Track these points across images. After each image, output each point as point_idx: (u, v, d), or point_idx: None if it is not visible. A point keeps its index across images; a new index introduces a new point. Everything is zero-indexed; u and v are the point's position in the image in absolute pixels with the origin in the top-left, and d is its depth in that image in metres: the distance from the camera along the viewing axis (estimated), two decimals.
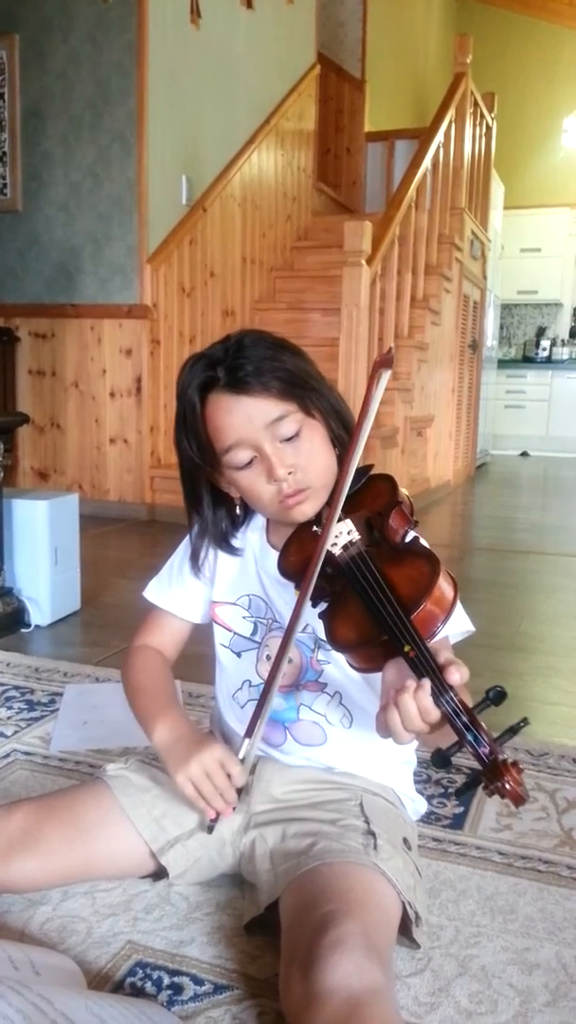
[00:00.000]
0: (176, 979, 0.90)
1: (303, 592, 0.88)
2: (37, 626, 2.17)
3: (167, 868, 0.99)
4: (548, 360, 7.82)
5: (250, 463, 0.93)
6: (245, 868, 1.00)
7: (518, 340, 8.20)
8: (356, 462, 0.89)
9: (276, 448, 0.92)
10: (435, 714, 0.76)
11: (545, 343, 7.90)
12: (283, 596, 1.00)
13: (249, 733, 0.94)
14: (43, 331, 3.91)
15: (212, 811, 0.94)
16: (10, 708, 1.63)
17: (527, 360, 7.92)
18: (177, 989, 0.88)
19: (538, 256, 7.72)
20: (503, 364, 7.45)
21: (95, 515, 3.66)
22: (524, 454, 7.57)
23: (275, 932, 0.89)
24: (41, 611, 2.18)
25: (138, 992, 0.88)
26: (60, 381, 3.93)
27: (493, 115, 5.42)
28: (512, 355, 8.07)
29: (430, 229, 4.39)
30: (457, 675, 0.77)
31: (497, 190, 6.02)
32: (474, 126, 4.98)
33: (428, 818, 1.23)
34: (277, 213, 4.88)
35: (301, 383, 0.93)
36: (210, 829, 0.96)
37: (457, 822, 1.24)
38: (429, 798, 1.29)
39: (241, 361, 0.91)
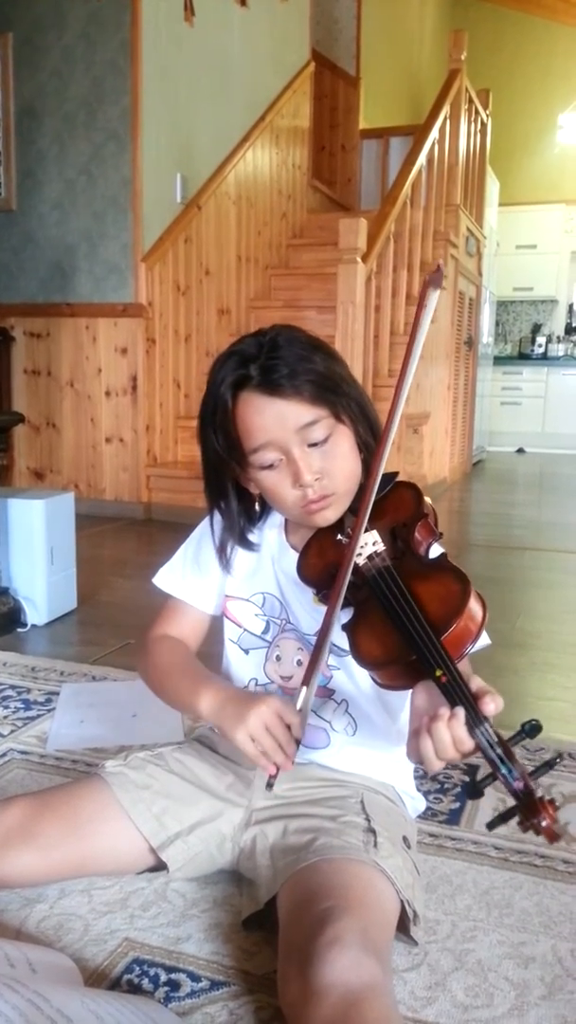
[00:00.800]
0: (173, 976, 0.90)
1: (332, 606, 0.86)
2: (33, 625, 2.17)
3: (168, 864, 0.99)
4: (544, 357, 7.83)
5: (276, 465, 0.92)
6: (244, 864, 1.00)
7: (514, 337, 8.21)
8: (400, 409, 0.86)
9: (304, 453, 0.91)
10: (469, 744, 0.75)
11: (541, 340, 7.91)
12: (299, 599, 1.00)
13: (306, 681, 0.89)
14: (38, 330, 3.90)
15: (273, 767, 0.90)
16: (7, 707, 1.63)
17: (523, 357, 7.93)
18: (174, 985, 0.89)
19: (533, 252, 7.73)
20: (499, 361, 7.46)
21: (91, 514, 3.66)
22: (520, 451, 7.58)
23: (273, 928, 0.89)
24: (37, 610, 2.18)
25: (135, 989, 0.88)
26: (55, 380, 3.92)
27: (488, 112, 5.41)
28: (508, 352, 8.07)
29: (425, 226, 4.39)
30: (492, 705, 0.76)
31: (492, 187, 6.02)
32: (469, 123, 4.97)
33: (425, 814, 1.24)
34: (272, 211, 4.88)
35: (333, 387, 0.92)
36: (270, 786, 0.90)
37: (453, 817, 1.24)
38: (425, 793, 1.29)
39: (275, 362, 0.90)
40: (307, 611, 0.99)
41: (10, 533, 2.17)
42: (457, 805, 1.28)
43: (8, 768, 1.38)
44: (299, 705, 0.90)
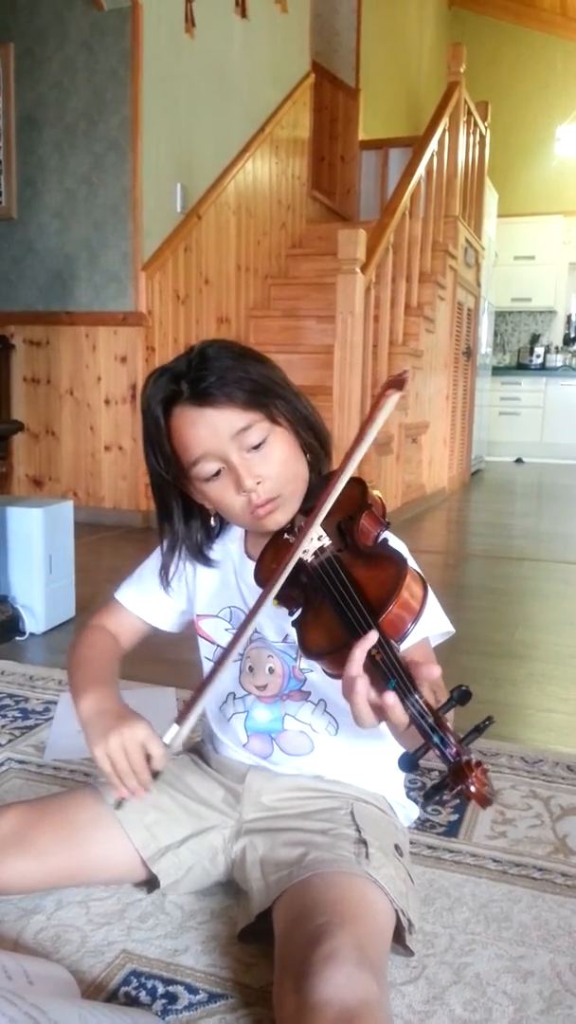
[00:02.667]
0: (171, 988, 0.90)
1: (265, 592, 0.86)
2: (32, 634, 2.17)
3: (158, 877, 0.99)
4: (542, 367, 7.85)
5: (218, 474, 0.92)
6: (237, 875, 1.00)
7: (512, 347, 8.23)
8: (347, 477, 0.87)
9: (243, 458, 0.91)
10: (403, 717, 0.74)
11: (539, 350, 7.93)
12: (264, 607, 1.00)
13: (180, 720, 0.89)
14: (38, 338, 3.91)
15: (124, 790, 0.91)
16: (5, 716, 1.63)
17: (521, 367, 7.95)
18: (171, 998, 0.88)
19: (532, 264, 7.76)
20: (497, 371, 7.48)
21: (90, 522, 3.66)
22: (519, 460, 7.60)
23: (270, 940, 0.89)
24: (36, 619, 2.18)
25: (132, 1001, 0.88)
26: (55, 388, 3.93)
27: (487, 124, 5.45)
28: (506, 362, 8.10)
29: (424, 237, 4.41)
30: (424, 670, 0.75)
31: (491, 198, 6.05)
32: (468, 134, 5.00)
33: (423, 826, 1.23)
34: (272, 221, 4.90)
35: (266, 391, 0.93)
36: (118, 805, 0.93)
37: (452, 829, 1.24)
38: (424, 806, 1.29)
39: (204, 372, 0.90)
40: (271, 618, 0.99)
41: (9, 541, 2.17)
42: (455, 817, 1.28)
43: (6, 777, 1.37)
44: (167, 740, 0.90)
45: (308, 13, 5.14)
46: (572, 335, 8.05)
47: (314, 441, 0.98)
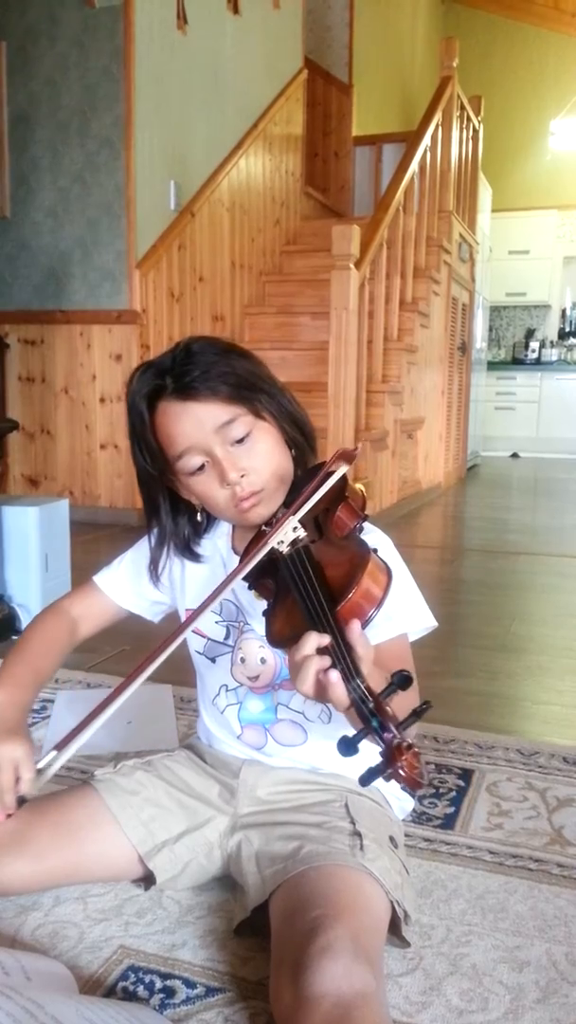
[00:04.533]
0: (168, 982, 0.90)
1: (231, 575, 0.88)
2: None
3: (154, 873, 1.00)
4: (537, 361, 7.86)
5: (202, 468, 0.93)
6: (233, 870, 1.01)
7: (507, 342, 8.24)
8: (320, 494, 0.89)
9: (227, 452, 0.92)
10: (344, 698, 0.74)
11: (534, 345, 7.93)
12: (252, 600, 1.01)
13: (60, 747, 0.90)
14: (32, 337, 3.91)
15: None
16: None
17: (516, 362, 7.95)
18: (169, 992, 0.88)
19: (526, 258, 7.76)
20: (492, 366, 7.48)
21: (86, 521, 3.66)
22: (514, 455, 7.60)
23: (267, 934, 0.89)
24: (31, 617, 2.17)
25: (130, 996, 0.88)
26: (50, 387, 3.92)
27: (480, 118, 5.45)
28: (501, 357, 8.10)
29: (418, 232, 4.41)
30: (360, 649, 0.75)
31: (485, 193, 6.05)
32: (461, 129, 5.00)
33: (419, 818, 1.24)
34: (266, 218, 4.90)
35: (249, 385, 0.93)
36: None
37: (448, 822, 1.24)
38: (420, 798, 1.29)
39: (188, 367, 0.91)
40: (260, 610, 1.00)
41: (4, 540, 2.17)
42: (452, 810, 1.28)
43: None
44: (40, 764, 0.91)
45: (300, 9, 5.13)
46: (567, 329, 8.05)
47: (299, 436, 0.99)
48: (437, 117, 4.49)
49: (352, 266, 3.40)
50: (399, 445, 4.21)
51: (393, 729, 0.70)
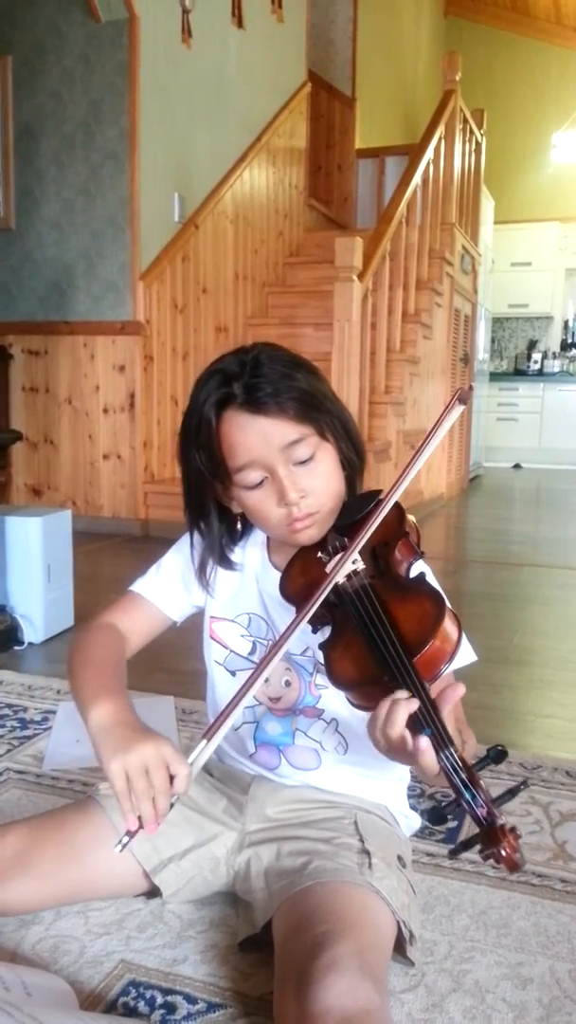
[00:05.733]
0: (169, 998, 0.89)
1: (299, 618, 0.85)
2: (30, 643, 2.17)
3: (160, 888, 0.99)
4: (540, 373, 7.86)
5: (261, 483, 0.92)
6: (240, 887, 1.00)
7: (509, 353, 8.25)
8: (397, 495, 0.88)
9: (290, 471, 0.90)
10: (434, 767, 0.72)
11: (536, 356, 7.94)
12: (284, 617, 0.98)
13: (208, 735, 0.85)
14: (36, 348, 3.92)
15: (135, 818, 0.82)
16: (3, 726, 1.63)
17: (519, 373, 7.96)
18: (170, 1008, 0.88)
19: (528, 270, 7.78)
20: (495, 377, 7.49)
21: (89, 531, 3.66)
22: (517, 466, 7.60)
23: (269, 949, 0.88)
24: (34, 628, 2.18)
25: (131, 1012, 0.88)
26: (53, 397, 3.93)
27: (483, 131, 5.47)
28: (504, 368, 8.11)
29: (421, 244, 4.42)
30: (448, 692, 0.75)
31: (487, 205, 6.07)
32: (464, 142, 5.02)
33: (422, 833, 1.23)
34: (269, 229, 4.92)
35: (317, 405, 0.92)
36: (122, 845, 0.82)
37: (451, 837, 1.24)
38: (422, 813, 1.29)
39: (258, 380, 0.89)
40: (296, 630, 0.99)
41: (7, 550, 2.18)
42: (455, 824, 1.27)
43: (5, 788, 1.37)
44: (191, 759, 0.84)
45: (304, 23, 5.17)
46: (569, 340, 8.06)
47: (354, 456, 0.97)
48: (440, 130, 4.52)
49: (355, 278, 3.41)
50: (402, 456, 4.21)
51: (486, 804, 0.69)
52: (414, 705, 0.74)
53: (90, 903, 1.04)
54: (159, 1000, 0.89)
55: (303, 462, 0.91)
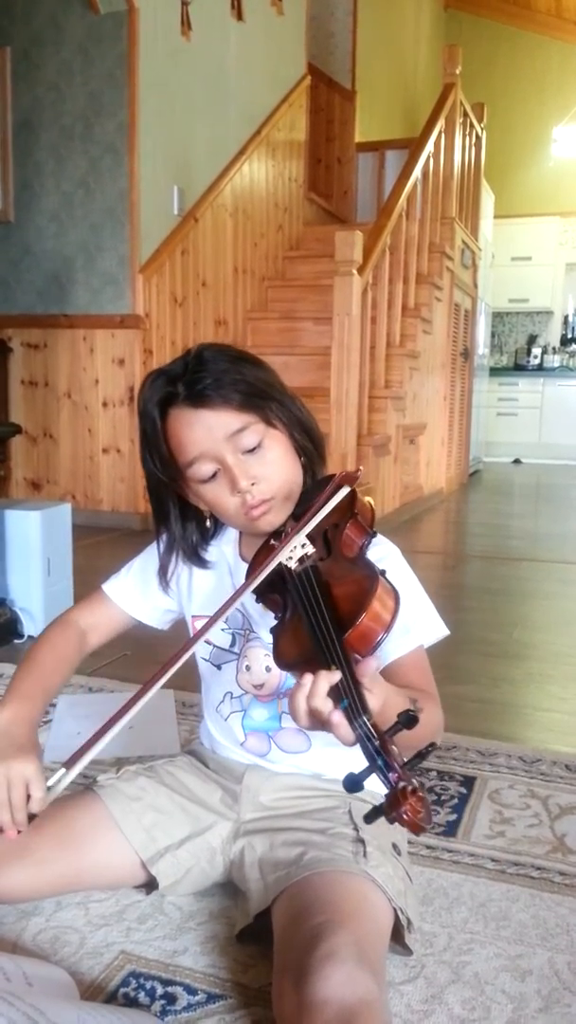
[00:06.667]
0: (169, 989, 0.90)
1: (242, 586, 0.88)
2: (30, 636, 2.17)
3: (157, 878, 0.99)
4: (539, 367, 7.86)
5: (214, 476, 0.94)
6: (236, 876, 1.00)
7: (509, 348, 8.24)
8: (331, 507, 0.89)
9: (238, 460, 0.92)
10: (349, 735, 0.73)
11: (536, 351, 7.94)
12: (258, 608, 1.00)
13: (70, 764, 0.90)
14: (35, 341, 3.91)
15: None
16: None
17: (519, 368, 7.96)
18: (170, 999, 0.88)
19: (529, 264, 7.77)
20: (495, 372, 7.49)
21: (88, 525, 3.66)
22: (517, 461, 7.60)
23: (268, 941, 0.89)
24: (34, 621, 2.18)
25: (131, 1002, 0.88)
26: (53, 391, 3.93)
27: (483, 125, 5.46)
28: (504, 363, 8.11)
29: (421, 238, 4.42)
30: (374, 700, 0.75)
31: (487, 199, 6.06)
32: (464, 136, 5.01)
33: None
34: (268, 223, 4.91)
35: (261, 394, 0.94)
36: None
37: (450, 829, 1.24)
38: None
39: (201, 375, 0.91)
40: (265, 620, 0.99)
41: (7, 544, 2.18)
42: (454, 817, 1.28)
43: None
44: (50, 783, 0.91)
45: (304, 15, 5.15)
46: (569, 335, 8.06)
47: (308, 444, 0.99)
48: (440, 124, 4.51)
49: (355, 272, 3.41)
50: (401, 450, 4.21)
51: (398, 769, 0.70)
52: (336, 677, 0.75)
53: (90, 895, 1.04)
54: (159, 991, 0.89)
55: (251, 450, 0.93)
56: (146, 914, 1.02)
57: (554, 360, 7.92)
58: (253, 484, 0.92)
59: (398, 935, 0.91)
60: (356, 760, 0.99)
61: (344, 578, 0.84)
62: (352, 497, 0.91)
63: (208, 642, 1.07)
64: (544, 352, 7.96)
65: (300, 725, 0.77)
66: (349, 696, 0.74)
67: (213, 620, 0.91)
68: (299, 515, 0.94)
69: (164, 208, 3.87)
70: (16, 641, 2.14)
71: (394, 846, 0.97)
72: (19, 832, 0.92)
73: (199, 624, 1.07)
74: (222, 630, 1.05)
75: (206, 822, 1.02)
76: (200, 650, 1.08)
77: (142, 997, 0.88)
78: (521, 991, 0.90)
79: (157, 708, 1.65)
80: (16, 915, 1.01)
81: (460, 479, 5.78)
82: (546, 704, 1.81)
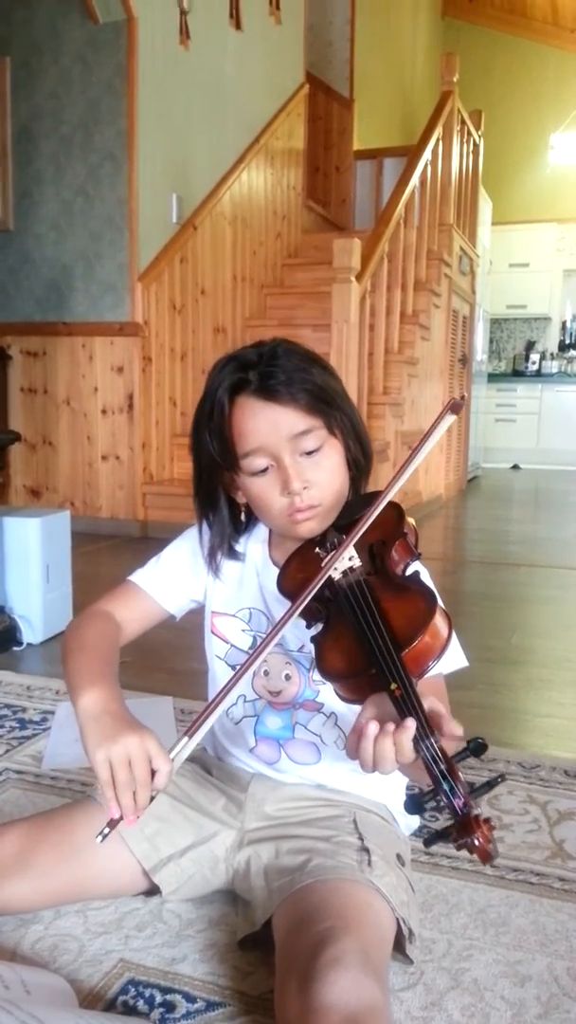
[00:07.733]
0: (168, 996, 0.90)
1: (291, 609, 0.87)
2: (29, 644, 2.17)
3: (160, 886, 0.99)
4: (538, 373, 7.88)
5: (266, 471, 0.93)
6: (239, 885, 1.00)
7: (508, 354, 8.26)
8: (391, 494, 0.89)
9: (295, 461, 0.92)
10: (410, 756, 0.74)
11: (534, 357, 7.95)
12: (283, 613, 1.00)
13: (190, 732, 0.84)
14: (35, 349, 3.92)
15: (116, 808, 0.82)
16: (2, 727, 1.63)
17: (517, 374, 7.97)
18: (169, 1007, 0.88)
19: (526, 271, 7.79)
20: (493, 378, 7.50)
21: (87, 532, 3.66)
22: (515, 467, 7.61)
23: (268, 948, 0.89)
24: (33, 629, 2.18)
25: (130, 1010, 0.88)
26: (52, 399, 3.94)
27: (480, 132, 5.48)
28: (502, 369, 8.12)
29: (419, 246, 4.43)
30: (448, 727, 0.75)
31: (485, 206, 6.08)
32: (461, 143, 5.03)
33: (420, 831, 1.23)
34: (267, 231, 4.92)
35: (328, 400, 0.94)
36: (103, 836, 0.81)
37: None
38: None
39: (273, 368, 0.91)
40: (291, 627, 0.99)
41: (6, 551, 2.18)
42: (453, 823, 1.27)
43: (4, 788, 1.37)
44: (173, 754, 0.84)
45: (302, 24, 5.18)
46: (567, 341, 8.07)
47: (360, 457, 0.99)
48: (438, 131, 4.53)
49: (353, 279, 3.42)
50: (400, 457, 4.21)
51: (464, 795, 0.70)
52: (411, 728, 0.74)
53: (89, 902, 1.04)
54: (158, 999, 0.89)
55: (309, 453, 0.92)
56: (145, 922, 1.02)
57: (552, 366, 7.94)
58: (305, 487, 0.92)
59: (399, 945, 0.91)
60: (364, 775, 0.99)
61: (398, 597, 0.83)
62: (400, 514, 0.92)
63: (225, 640, 1.06)
64: (542, 358, 7.97)
65: (364, 770, 0.76)
66: (415, 714, 0.73)
67: (274, 632, 0.86)
68: (341, 527, 0.93)
69: (163, 216, 3.88)
70: (15, 648, 2.14)
71: (398, 856, 0.97)
72: (137, 818, 0.84)
73: (218, 620, 1.06)
74: (242, 631, 1.05)
75: (209, 830, 1.02)
76: (216, 648, 1.07)
77: (141, 1005, 0.88)
78: (520, 997, 0.90)
79: (156, 715, 1.65)
80: (15, 923, 1.00)
81: (459, 485, 5.79)
82: (545, 710, 1.81)
